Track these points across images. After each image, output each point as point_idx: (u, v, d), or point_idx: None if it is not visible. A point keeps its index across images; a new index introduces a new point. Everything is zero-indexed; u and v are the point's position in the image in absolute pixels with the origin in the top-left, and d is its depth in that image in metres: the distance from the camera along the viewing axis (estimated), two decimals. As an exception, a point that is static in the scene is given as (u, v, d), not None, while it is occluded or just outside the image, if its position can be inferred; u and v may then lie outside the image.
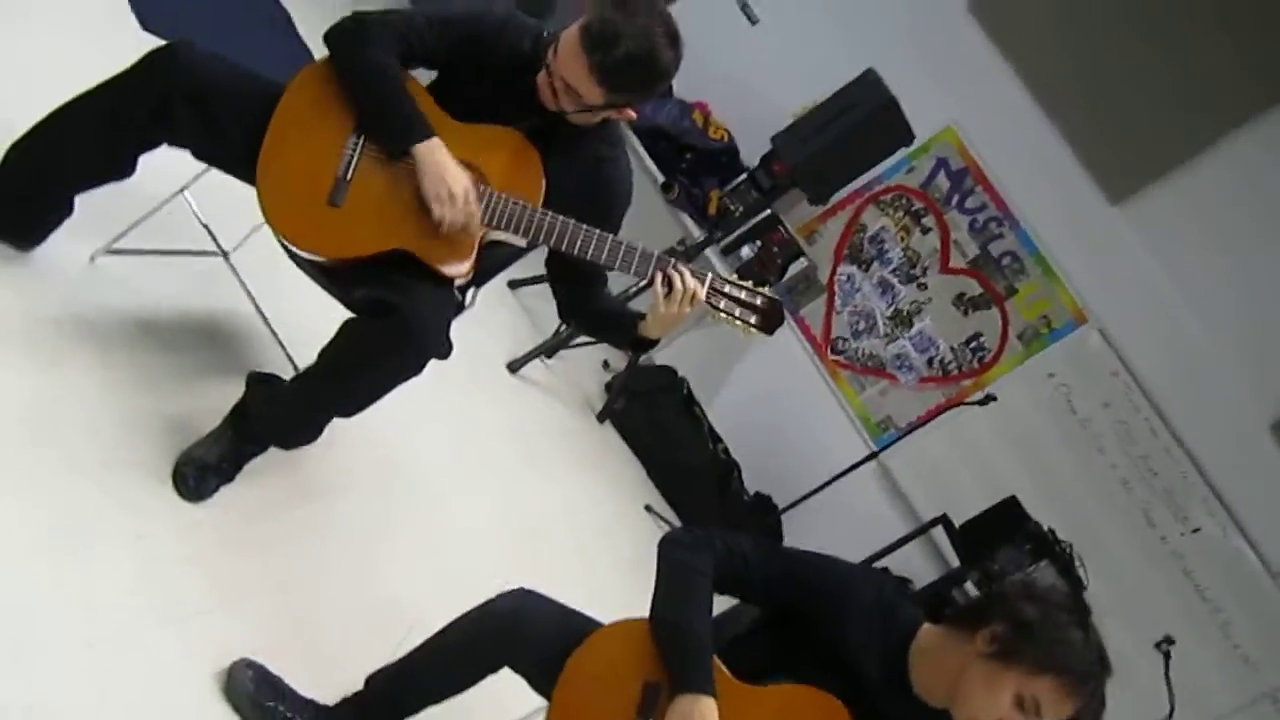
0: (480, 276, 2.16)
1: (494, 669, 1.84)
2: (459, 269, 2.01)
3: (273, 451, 2.19)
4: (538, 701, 1.92)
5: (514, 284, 4.07)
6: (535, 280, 3.90)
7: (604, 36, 1.90)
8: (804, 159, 3.98)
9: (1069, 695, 1.62)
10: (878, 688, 1.72)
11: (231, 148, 2.00)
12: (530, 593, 1.86)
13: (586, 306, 2.29)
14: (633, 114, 2.06)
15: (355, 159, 2.00)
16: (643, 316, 2.13)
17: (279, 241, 2.03)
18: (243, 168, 2.02)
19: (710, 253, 4.37)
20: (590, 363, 4.34)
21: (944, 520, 3.89)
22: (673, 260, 2.00)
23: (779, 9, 4.60)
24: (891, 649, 1.74)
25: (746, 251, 4.51)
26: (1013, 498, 3.79)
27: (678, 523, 4.09)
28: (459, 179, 1.94)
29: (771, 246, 4.49)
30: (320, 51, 2.08)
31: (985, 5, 4.47)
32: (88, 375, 2.06)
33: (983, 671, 1.63)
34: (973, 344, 4.47)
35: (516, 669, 1.83)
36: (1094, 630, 1.65)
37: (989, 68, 4.44)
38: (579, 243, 1.98)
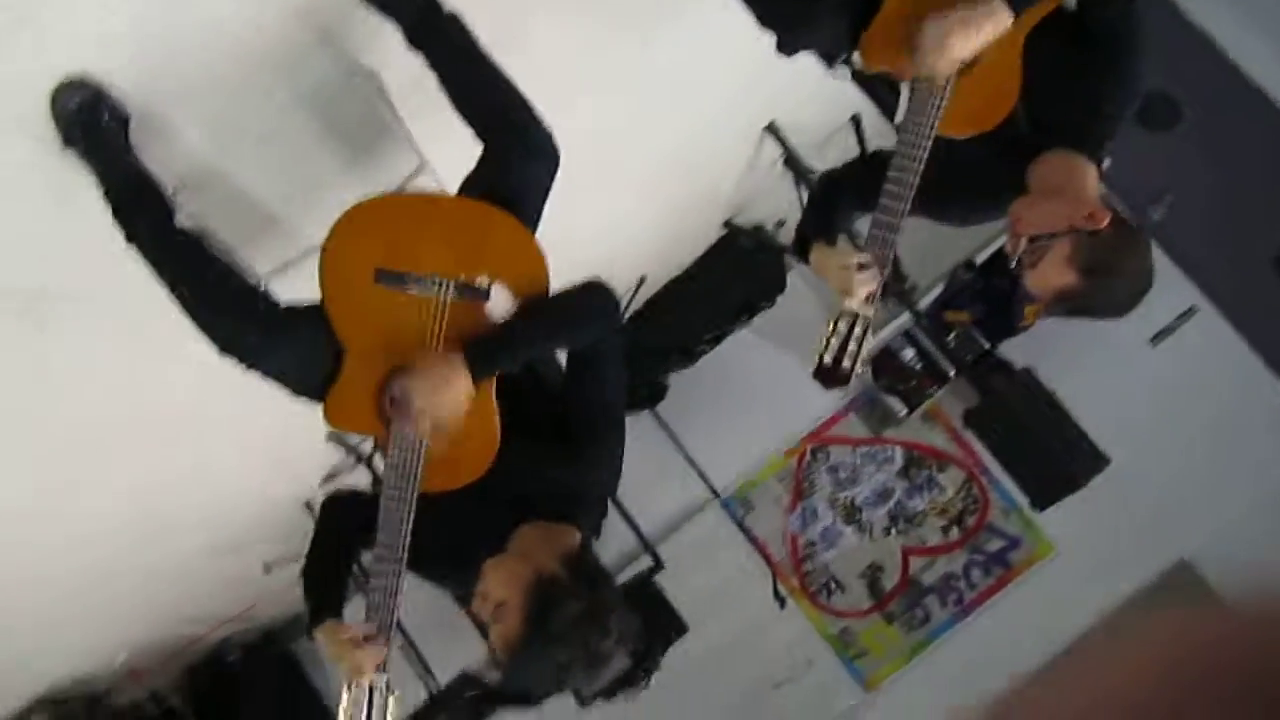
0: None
1: None
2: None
3: None
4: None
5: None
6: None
7: (1100, 266, 1.80)
8: (1014, 408, 4.01)
9: None
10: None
11: None
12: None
13: (839, 198, 2.18)
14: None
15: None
16: (831, 244, 2.09)
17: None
18: None
19: (902, 316, 4.18)
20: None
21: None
22: (887, 272, 1.91)
23: (1172, 360, 4.34)
24: None
25: (907, 353, 4.35)
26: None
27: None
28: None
29: (913, 378, 4.35)
30: None
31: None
32: None
33: None
34: (832, 581, 4.50)
35: None
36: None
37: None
38: (891, 208, 1.85)
